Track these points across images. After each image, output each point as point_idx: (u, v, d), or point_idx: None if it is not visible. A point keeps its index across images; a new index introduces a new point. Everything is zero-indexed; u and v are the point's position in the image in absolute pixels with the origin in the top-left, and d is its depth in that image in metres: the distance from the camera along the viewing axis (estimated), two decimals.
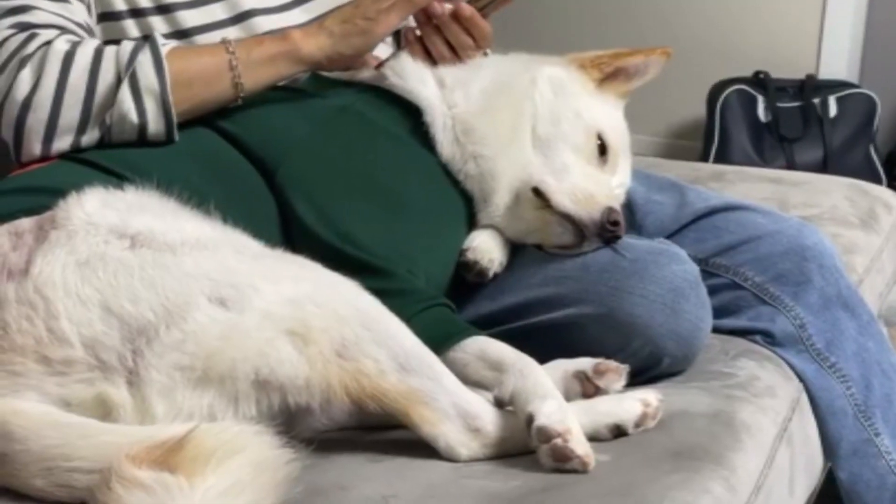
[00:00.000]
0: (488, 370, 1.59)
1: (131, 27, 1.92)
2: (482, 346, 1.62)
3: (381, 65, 1.98)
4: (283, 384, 1.46)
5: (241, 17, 1.97)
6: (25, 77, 1.74)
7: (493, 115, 1.88)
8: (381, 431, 1.60)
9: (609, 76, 1.97)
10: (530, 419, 1.51)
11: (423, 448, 1.54)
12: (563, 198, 1.82)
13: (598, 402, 1.63)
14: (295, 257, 1.58)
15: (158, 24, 1.91)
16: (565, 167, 1.85)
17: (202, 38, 1.93)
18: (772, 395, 1.82)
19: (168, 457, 1.32)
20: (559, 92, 1.91)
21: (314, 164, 1.78)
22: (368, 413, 1.53)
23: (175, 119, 1.78)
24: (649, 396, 1.63)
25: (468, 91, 1.90)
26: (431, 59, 1.95)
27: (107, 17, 1.91)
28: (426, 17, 1.93)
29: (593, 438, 1.56)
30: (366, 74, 1.96)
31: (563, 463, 1.49)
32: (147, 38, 1.81)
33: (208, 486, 1.29)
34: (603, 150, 1.89)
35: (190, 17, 1.94)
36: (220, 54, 1.82)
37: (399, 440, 1.57)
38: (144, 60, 1.77)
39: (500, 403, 1.57)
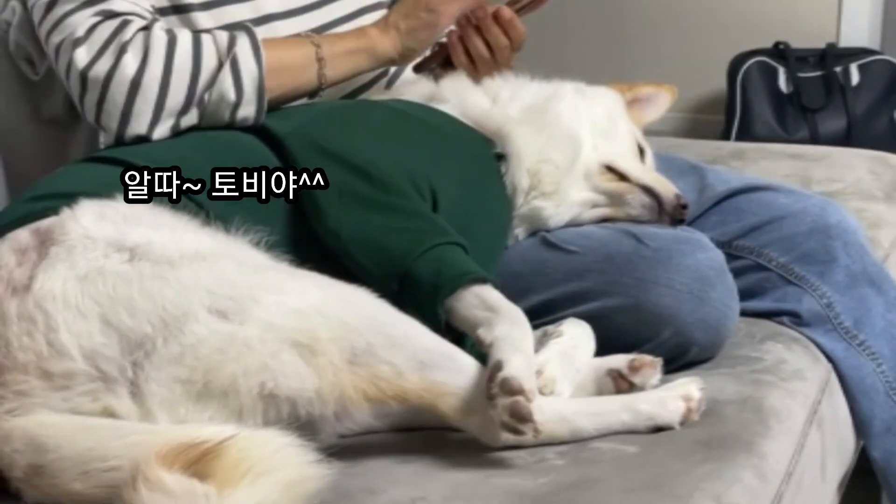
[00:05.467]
0: (481, 310, 1.57)
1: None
2: (484, 290, 1.60)
3: (420, 68, 2.09)
4: (292, 396, 1.45)
5: (261, 21, 1.99)
6: (129, 60, 1.78)
7: (545, 116, 1.95)
8: (408, 433, 1.59)
9: (629, 103, 2.08)
10: (498, 366, 1.47)
11: (451, 448, 1.54)
12: (640, 174, 1.94)
13: (641, 402, 1.58)
14: (301, 271, 1.56)
15: (175, 25, 1.92)
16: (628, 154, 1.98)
17: None
18: (800, 377, 1.81)
19: (203, 460, 1.31)
20: (604, 96, 2.04)
21: (327, 125, 1.81)
22: (393, 414, 1.53)
23: (265, 103, 1.83)
24: (691, 389, 1.60)
25: (521, 101, 1.97)
26: (470, 59, 2.03)
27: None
28: (467, 19, 2.01)
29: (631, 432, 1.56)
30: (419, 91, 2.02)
31: (518, 423, 1.44)
32: (244, 26, 1.86)
33: (235, 500, 1.28)
34: (641, 152, 2.00)
35: (204, 20, 1.95)
36: (306, 46, 1.90)
37: (427, 441, 1.56)
38: (244, 45, 1.82)
39: (479, 344, 1.54)
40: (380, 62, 1.97)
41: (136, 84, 1.77)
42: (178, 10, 1.94)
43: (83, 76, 1.78)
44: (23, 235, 1.54)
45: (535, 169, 1.90)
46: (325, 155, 1.72)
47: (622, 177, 1.94)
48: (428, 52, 2.10)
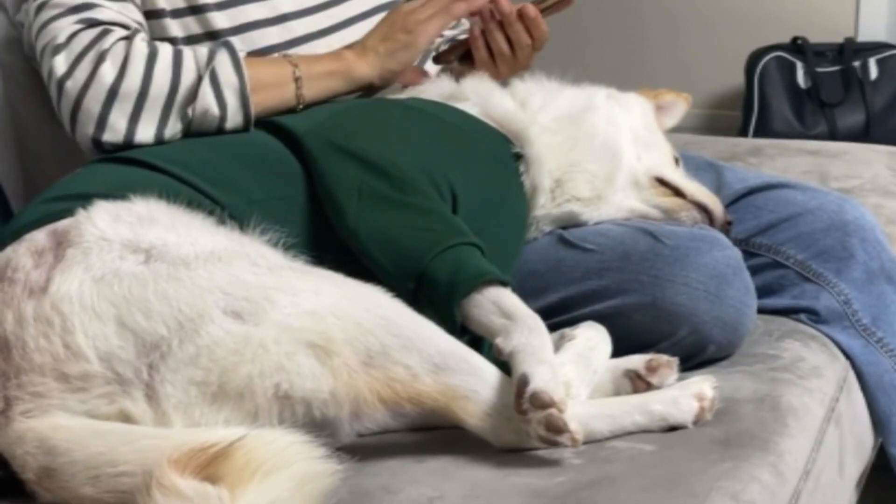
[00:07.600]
0: (498, 316, 1.56)
1: (172, 26, 1.95)
2: (500, 294, 1.59)
3: (439, 59, 2.09)
4: (307, 398, 1.45)
5: (277, 20, 2.00)
6: (108, 69, 1.78)
7: (579, 128, 1.95)
8: (425, 432, 1.59)
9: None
10: (524, 381, 1.47)
11: (468, 446, 1.53)
12: (694, 190, 1.94)
13: (654, 402, 1.58)
14: (317, 269, 1.56)
15: (192, 25, 1.93)
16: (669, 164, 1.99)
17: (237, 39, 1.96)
18: (818, 375, 1.81)
19: (213, 463, 1.31)
20: (639, 104, 2.04)
21: (345, 123, 1.80)
22: (410, 415, 1.53)
23: (252, 114, 1.83)
24: (704, 388, 1.60)
25: (553, 110, 1.96)
26: (491, 55, 2.03)
27: (148, 15, 1.94)
28: (491, 14, 2.01)
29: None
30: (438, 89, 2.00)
31: (555, 434, 1.45)
32: (224, 42, 1.86)
33: (248, 500, 1.28)
34: (675, 161, 2.01)
35: (220, 20, 1.95)
36: (284, 66, 1.89)
37: (444, 440, 1.56)
38: (223, 59, 1.82)
39: (498, 353, 1.54)
40: (356, 85, 1.95)
41: (113, 93, 1.77)
42: (195, 10, 1.95)
43: (60, 84, 1.79)
44: (39, 237, 1.54)
45: (564, 177, 1.90)
46: (343, 153, 1.72)
47: (675, 191, 1.94)
48: (448, 45, 2.10)
